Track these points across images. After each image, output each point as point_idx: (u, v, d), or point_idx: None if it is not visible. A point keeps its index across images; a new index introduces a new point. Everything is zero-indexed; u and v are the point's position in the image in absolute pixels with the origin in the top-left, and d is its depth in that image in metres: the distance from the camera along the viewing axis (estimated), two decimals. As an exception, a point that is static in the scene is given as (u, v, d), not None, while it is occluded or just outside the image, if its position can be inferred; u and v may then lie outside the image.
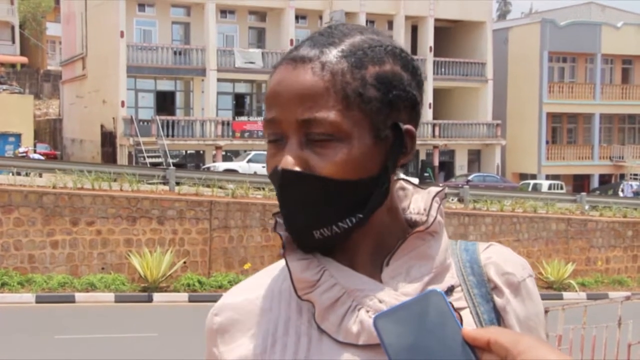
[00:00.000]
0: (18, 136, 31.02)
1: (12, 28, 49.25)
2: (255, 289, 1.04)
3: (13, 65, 47.88)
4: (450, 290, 0.96)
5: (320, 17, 33.41)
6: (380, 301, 0.93)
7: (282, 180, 0.93)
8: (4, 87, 38.78)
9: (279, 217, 1.00)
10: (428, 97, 34.77)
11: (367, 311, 0.92)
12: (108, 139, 31.15)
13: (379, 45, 0.97)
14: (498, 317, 0.98)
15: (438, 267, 0.97)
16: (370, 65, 0.95)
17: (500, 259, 1.00)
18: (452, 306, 0.82)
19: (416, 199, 1.04)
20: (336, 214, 0.95)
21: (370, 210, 0.96)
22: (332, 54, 0.95)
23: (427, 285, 0.95)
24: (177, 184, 16.76)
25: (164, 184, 16.90)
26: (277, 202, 0.99)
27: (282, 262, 1.03)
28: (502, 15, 75.16)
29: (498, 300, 0.98)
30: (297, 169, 0.93)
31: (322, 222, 0.94)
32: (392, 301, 0.92)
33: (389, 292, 0.94)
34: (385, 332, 0.81)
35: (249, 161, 26.09)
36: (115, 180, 15.86)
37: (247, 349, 0.99)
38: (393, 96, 0.96)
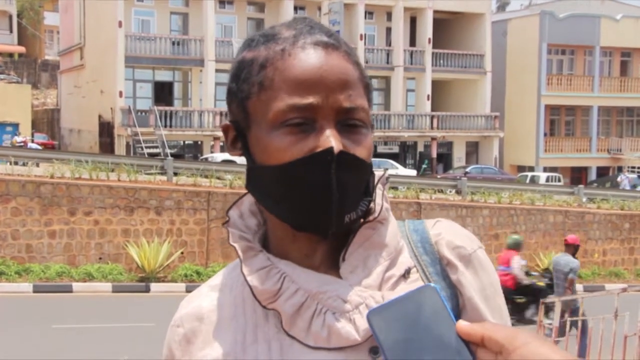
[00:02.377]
0: (16, 126, 30.95)
1: (10, 17, 49.08)
2: (215, 297, 1.02)
3: (11, 55, 47.73)
4: (407, 272, 0.96)
5: (319, 8, 33.31)
6: (344, 301, 0.92)
7: (339, 162, 0.90)
8: (2, 76, 38.70)
9: (229, 226, 0.99)
10: (426, 89, 34.75)
11: (334, 313, 0.92)
12: (106, 129, 31.09)
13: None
14: (455, 293, 0.98)
15: (392, 253, 0.97)
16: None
17: (449, 234, 1.01)
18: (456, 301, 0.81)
19: None
20: (360, 198, 0.95)
21: (371, 194, 0.97)
22: (345, 44, 0.97)
23: (385, 273, 0.95)
24: (175, 174, 16.75)
25: (162, 174, 16.89)
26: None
27: (237, 263, 1.02)
28: (501, 7, 74.87)
29: (453, 275, 0.98)
30: (352, 152, 0.93)
31: (354, 205, 0.94)
32: (356, 299, 0.92)
33: (351, 289, 0.93)
34: (379, 327, 0.80)
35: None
36: (113, 171, 15.85)
37: None
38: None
